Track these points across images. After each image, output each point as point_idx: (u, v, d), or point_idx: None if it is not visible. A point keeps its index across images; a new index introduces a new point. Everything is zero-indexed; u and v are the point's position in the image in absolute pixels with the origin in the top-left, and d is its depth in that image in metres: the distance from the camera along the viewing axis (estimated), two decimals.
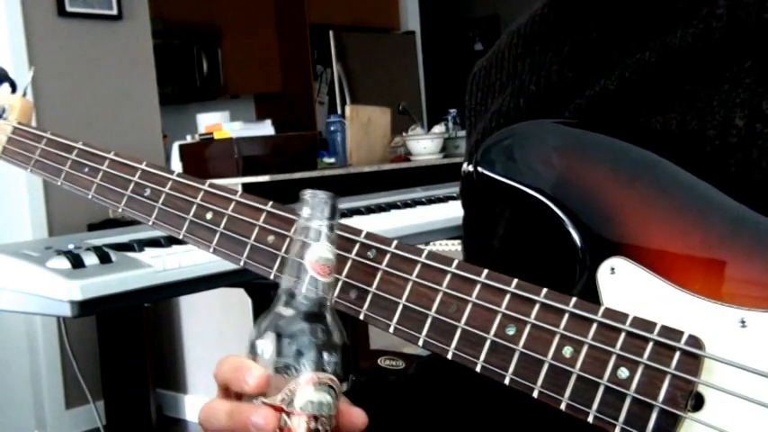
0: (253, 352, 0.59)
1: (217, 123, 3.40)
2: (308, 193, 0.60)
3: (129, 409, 3.19)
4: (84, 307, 1.35)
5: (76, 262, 1.38)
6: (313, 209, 0.60)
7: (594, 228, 0.59)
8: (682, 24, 0.63)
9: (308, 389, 0.56)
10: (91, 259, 1.41)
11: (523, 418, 0.65)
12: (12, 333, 3.41)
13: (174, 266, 1.47)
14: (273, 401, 0.56)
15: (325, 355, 0.58)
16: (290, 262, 0.60)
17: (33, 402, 3.43)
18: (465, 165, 0.68)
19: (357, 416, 0.60)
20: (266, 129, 3.44)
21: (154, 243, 1.54)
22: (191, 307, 3.41)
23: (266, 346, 0.58)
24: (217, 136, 3.26)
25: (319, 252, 0.59)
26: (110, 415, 3.19)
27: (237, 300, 2.87)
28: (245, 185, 3.03)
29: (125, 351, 3.16)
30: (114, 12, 3.68)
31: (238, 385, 0.58)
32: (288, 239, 0.69)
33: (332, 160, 3.72)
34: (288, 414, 0.56)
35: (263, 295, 2.31)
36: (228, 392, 0.60)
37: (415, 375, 0.84)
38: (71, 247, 1.44)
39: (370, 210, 2.09)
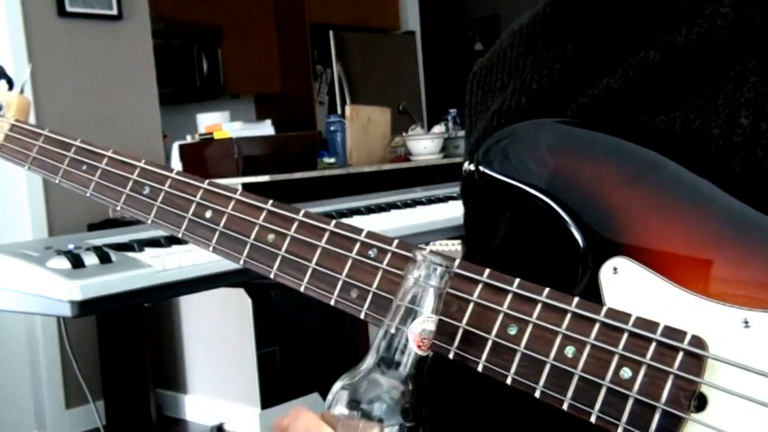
0: (333, 408, 0.56)
1: (217, 123, 3.40)
2: (420, 255, 0.57)
3: (129, 409, 3.19)
4: (84, 307, 1.35)
5: (76, 262, 1.38)
6: (425, 273, 0.57)
7: (597, 227, 0.59)
8: (687, 23, 0.63)
9: None
10: (91, 259, 1.40)
11: (526, 418, 0.65)
12: (12, 333, 3.40)
13: (174, 266, 1.47)
14: None
15: (406, 422, 0.56)
16: (390, 319, 0.57)
17: (33, 402, 3.43)
18: (466, 164, 0.68)
19: None
20: (266, 129, 3.44)
21: (154, 243, 1.54)
22: (191, 307, 3.41)
23: (348, 410, 0.55)
24: (217, 136, 3.27)
25: (424, 325, 0.56)
26: (110, 415, 3.19)
27: (237, 300, 2.87)
28: (245, 185, 3.03)
29: (125, 351, 3.16)
30: (114, 12, 3.68)
31: None
32: (288, 238, 0.69)
33: (332, 160, 3.72)
34: None
35: (263, 295, 2.31)
36: None
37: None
38: (71, 247, 1.44)
39: (370, 210, 2.09)
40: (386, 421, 0.55)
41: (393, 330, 0.56)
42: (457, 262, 0.61)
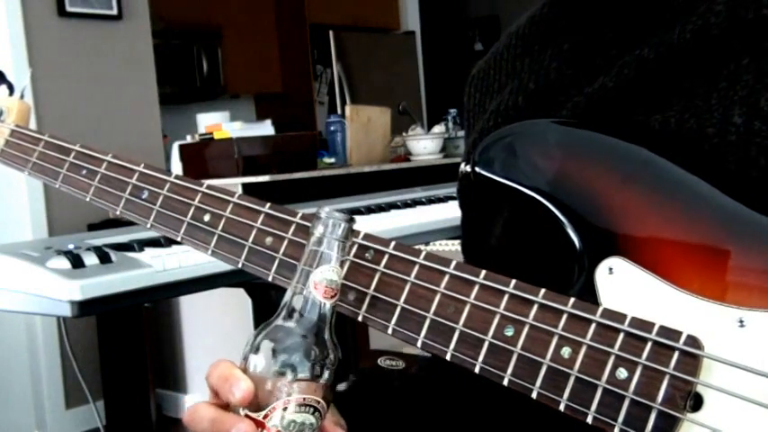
0: (245, 361, 0.59)
1: (217, 123, 3.40)
2: (323, 212, 0.60)
3: (129, 409, 3.19)
4: (84, 307, 1.35)
5: (76, 262, 1.39)
6: (326, 228, 0.60)
7: (592, 228, 0.59)
8: (680, 20, 0.63)
9: (294, 409, 0.57)
10: (91, 259, 1.41)
11: (523, 418, 0.65)
12: (12, 333, 3.40)
13: (174, 266, 1.47)
14: (258, 416, 0.57)
15: (317, 375, 0.58)
16: (295, 276, 0.60)
17: (33, 402, 3.43)
18: (462, 165, 0.68)
19: None
20: (266, 129, 3.44)
21: (154, 243, 1.54)
22: (191, 307, 3.41)
23: (259, 358, 0.59)
24: (217, 136, 3.26)
25: (325, 274, 0.59)
26: (110, 415, 3.19)
27: (237, 300, 2.86)
28: (245, 185, 3.03)
29: (125, 351, 3.16)
30: (114, 12, 3.68)
31: (225, 395, 0.58)
32: (286, 241, 0.70)
33: (332, 160, 3.72)
34: (268, 431, 0.57)
35: (263, 295, 2.31)
36: (217, 396, 0.61)
37: (415, 375, 0.84)
38: (71, 247, 1.44)
39: (370, 210, 2.10)
40: (296, 366, 0.57)
41: (299, 283, 0.59)
42: (453, 264, 0.61)
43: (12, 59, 3.31)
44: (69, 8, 3.53)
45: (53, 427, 3.41)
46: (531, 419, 0.62)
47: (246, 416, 0.57)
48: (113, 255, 1.45)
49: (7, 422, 3.40)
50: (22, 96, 1.02)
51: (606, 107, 0.66)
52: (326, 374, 0.59)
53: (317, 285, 0.59)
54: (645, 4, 0.67)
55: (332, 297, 0.60)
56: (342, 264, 0.60)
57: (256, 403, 0.57)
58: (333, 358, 0.59)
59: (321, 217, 0.60)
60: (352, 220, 0.61)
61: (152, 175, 0.80)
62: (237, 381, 0.58)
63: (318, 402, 0.58)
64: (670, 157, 0.59)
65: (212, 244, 0.74)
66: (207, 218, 0.74)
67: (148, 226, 0.79)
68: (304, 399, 0.57)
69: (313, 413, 0.57)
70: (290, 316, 0.59)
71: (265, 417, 0.57)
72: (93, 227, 3.18)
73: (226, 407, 0.60)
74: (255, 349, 0.59)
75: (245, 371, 0.59)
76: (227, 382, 0.58)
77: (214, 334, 3.36)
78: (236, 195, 0.74)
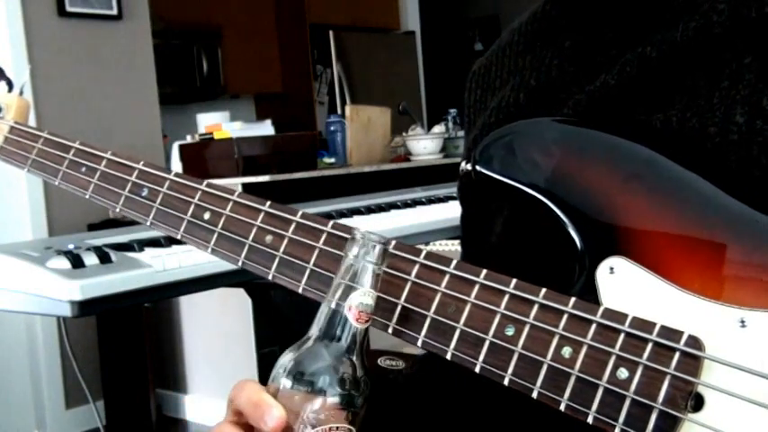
0: (275, 384, 0.58)
1: (217, 123, 3.40)
2: (359, 233, 0.60)
3: (129, 409, 3.19)
4: (84, 307, 1.35)
5: (76, 262, 1.39)
6: (362, 249, 0.59)
7: (593, 227, 0.59)
8: (683, 19, 0.63)
9: None
10: (91, 259, 1.41)
11: (523, 418, 0.65)
12: (12, 333, 3.40)
13: (174, 266, 1.47)
14: None
15: (349, 402, 0.57)
16: (328, 298, 0.59)
17: (33, 402, 3.43)
18: (463, 163, 0.68)
19: None
20: (266, 129, 3.44)
21: (154, 243, 1.54)
22: (191, 307, 3.41)
23: (290, 382, 0.57)
24: (217, 136, 3.26)
25: (361, 299, 0.59)
26: (110, 415, 3.18)
27: (237, 300, 2.87)
28: (245, 185, 3.03)
29: (125, 351, 3.16)
30: (114, 12, 3.68)
31: (256, 422, 0.57)
32: (286, 239, 0.69)
33: (332, 160, 3.72)
34: None
35: (263, 295, 2.31)
36: (241, 417, 0.59)
37: (414, 375, 0.83)
38: (71, 247, 1.44)
39: (370, 210, 2.10)
40: (327, 391, 0.56)
41: (334, 306, 0.59)
42: (454, 263, 0.61)
43: (11, 59, 3.31)
44: (69, 8, 3.53)
45: (53, 427, 3.41)
46: (532, 420, 0.62)
47: None
48: (113, 255, 1.45)
49: (7, 422, 3.40)
50: (21, 93, 1.02)
51: (608, 105, 0.66)
52: (358, 401, 0.58)
53: (352, 309, 0.58)
54: (647, 2, 0.67)
55: (365, 322, 0.59)
56: (376, 286, 0.60)
57: (286, 428, 0.56)
58: (364, 385, 0.58)
59: (357, 239, 0.59)
60: (387, 242, 0.60)
61: (152, 172, 0.80)
62: (270, 408, 0.56)
63: (350, 431, 0.57)
64: (672, 156, 0.59)
65: (212, 242, 0.74)
66: (207, 216, 0.74)
67: (148, 224, 0.78)
68: (338, 428, 0.56)
69: None
70: (321, 339, 0.58)
71: None
72: (93, 227, 3.18)
73: (249, 428, 0.59)
74: (287, 372, 0.57)
75: (274, 395, 0.58)
76: (259, 409, 0.57)
77: (214, 334, 3.36)
78: (236, 193, 0.74)
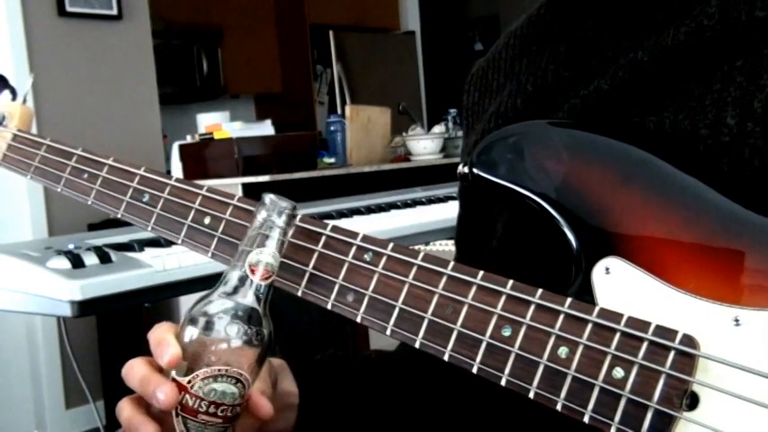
0: (182, 328, 0.62)
1: (217, 123, 3.40)
2: (268, 198, 0.64)
3: None
4: (84, 307, 1.35)
5: (76, 262, 1.39)
6: (269, 213, 0.63)
7: (589, 228, 0.60)
8: (674, 23, 0.63)
9: (215, 377, 0.60)
10: (91, 259, 1.41)
11: (520, 418, 0.66)
12: (12, 333, 3.41)
13: (174, 266, 1.48)
14: (183, 380, 0.60)
15: (244, 346, 0.61)
16: (236, 255, 0.64)
17: (33, 402, 3.43)
18: (461, 166, 0.69)
19: (263, 407, 0.64)
20: (266, 129, 3.44)
21: (154, 243, 1.54)
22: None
23: (192, 327, 0.62)
24: (217, 136, 3.26)
25: (261, 256, 0.63)
26: (110, 415, 3.19)
27: None
28: (245, 185, 3.03)
29: (125, 351, 3.15)
30: (114, 12, 3.69)
31: (157, 358, 0.62)
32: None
33: (332, 160, 3.72)
34: (190, 395, 0.60)
35: None
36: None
37: (415, 376, 0.84)
38: (71, 247, 1.44)
39: (370, 210, 2.10)
40: (225, 336, 0.61)
41: (240, 262, 0.63)
42: (451, 265, 0.62)
43: (12, 59, 3.32)
44: (69, 8, 3.54)
45: (53, 427, 3.42)
46: (529, 421, 0.63)
47: (173, 379, 0.61)
48: (113, 255, 1.45)
49: (7, 422, 3.40)
50: (24, 101, 1.03)
51: (602, 109, 0.66)
52: (255, 348, 0.62)
53: (253, 267, 0.62)
54: (639, 6, 0.68)
55: (267, 278, 0.63)
56: (281, 248, 0.64)
57: (186, 369, 0.61)
58: (265, 334, 0.62)
59: (265, 203, 0.64)
60: (294, 208, 0.64)
61: (153, 178, 0.81)
62: (168, 345, 0.61)
63: (241, 374, 0.61)
64: (665, 158, 0.59)
65: (212, 246, 0.74)
66: (207, 220, 0.75)
67: (149, 229, 0.79)
68: (227, 370, 0.60)
69: (235, 383, 0.61)
70: (226, 291, 0.62)
71: (189, 382, 0.60)
72: (93, 227, 3.18)
73: (160, 368, 0.63)
74: (190, 319, 0.62)
75: (178, 337, 0.62)
76: (160, 346, 0.62)
77: None
78: (236, 198, 0.74)
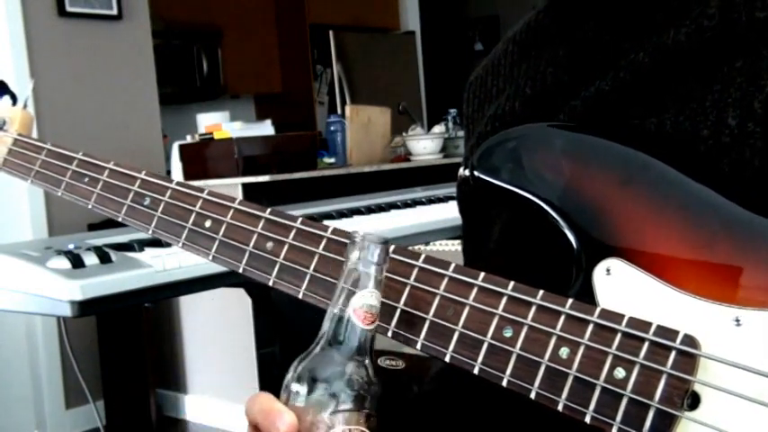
0: (286, 393, 0.58)
1: (217, 123, 3.40)
2: (358, 236, 0.59)
3: (129, 409, 3.19)
4: (84, 307, 1.35)
5: (76, 262, 1.39)
6: (362, 252, 0.59)
7: (590, 229, 0.60)
8: (675, 24, 0.64)
9: None
10: (91, 259, 1.41)
11: (520, 418, 0.66)
12: (12, 333, 3.41)
13: (174, 266, 1.48)
14: None
15: (360, 404, 0.57)
16: (333, 303, 0.59)
17: (33, 402, 3.43)
18: (461, 169, 0.69)
19: None
20: (266, 129, 3.44)
21: (154, 243, 1.54)
22: (191, 307, 3.41)
23: (300, 389, 0.57)
24: (217, 136, 3.26)
25: (365, 299, 0.58)
26: (110, 415, 3.19)
27: (237, 300, 2.87)
28: (245, 185, 3.03)
29: (125, 351, 3.16)
30: (114, 12, 3.68)
31: (267, 430, 0.57)
32: (286, 245, 0.70)
33: (332, 160, 3.72)
34: None
35: (262, 295, 2.31)
36: (257, 430, 0.59)
37: (414, 376, 0.84)
38: (71, 247, 1.44)
39: (370, 210, 2.10)
40: (339, 396, 0.57)
41: (337, 310, 0.58)
42: (452, 266, 0.62)
43: (12, 59, 3.32)
44: (69, 8, 3.54)
45: (53, 427, 3.42)
46: (529, 421, 0.63)
47: None
48: (113, 255, 1.45)
49: (7, 422, 3.40)
50: (24, 106, 1.03)
51: (602, 111, 0.66)
52: (369, 403, 0.58)
53: (357, 311, 0.58)
54: (639, 8, 0.68)
55: (371, 323, 0.59)
56: (379, 287, 0.59)
57: None
58: (375, 387, 0.58)
59: (356, 241, 0.59)
60: (387, 243, 0.60)
61: (154, 181, 0.81)
62: (281, 414, 0.57)
63: None
64: (666, 159, 0.59)
65: (213, 249, 0.74)
66: (208, 224, 0.75)
67: (150, 232, 0.79)
68: (350, 430, 0.56)
69: None
70: (329, 345, 0.58)
71: None
72: (93, 227, 3.18)
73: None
74: (297, 379, 0.58)
75: (286, 402, 0.58)
76: (270, 417, 0.57)
77: (214, 334, 3.37)
78: (237, 201, 0.74)
